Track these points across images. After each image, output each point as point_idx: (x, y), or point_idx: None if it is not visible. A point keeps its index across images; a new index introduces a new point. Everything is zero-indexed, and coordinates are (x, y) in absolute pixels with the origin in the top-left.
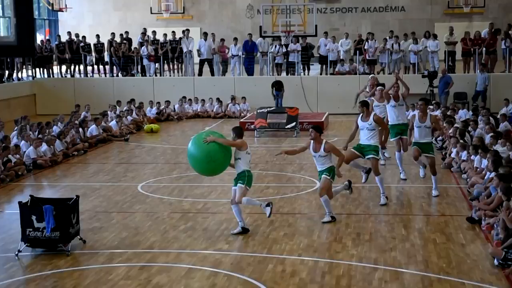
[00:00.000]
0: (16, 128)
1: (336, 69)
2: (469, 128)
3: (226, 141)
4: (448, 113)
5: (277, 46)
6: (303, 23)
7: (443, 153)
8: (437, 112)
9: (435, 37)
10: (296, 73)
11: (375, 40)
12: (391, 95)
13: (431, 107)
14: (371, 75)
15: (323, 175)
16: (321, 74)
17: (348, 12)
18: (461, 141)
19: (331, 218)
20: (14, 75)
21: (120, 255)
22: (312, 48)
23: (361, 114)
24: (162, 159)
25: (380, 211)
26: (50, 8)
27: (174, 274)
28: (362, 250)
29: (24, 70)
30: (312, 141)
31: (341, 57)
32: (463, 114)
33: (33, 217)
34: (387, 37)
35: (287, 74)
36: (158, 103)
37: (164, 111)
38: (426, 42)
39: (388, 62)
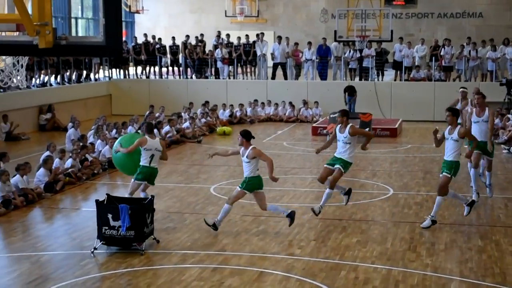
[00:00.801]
0: (93, 127)
1: (411, 75)
2: None
3: (128, 148)
4: None
5: (351, 51)
6: (378, 28)
7: None
8: None
9: None
10: (369, 79)
11: (452, 47)
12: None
13: (510, 116)
14: (461, 89)
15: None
16: (395, 80)
17: (424, 18)
18: None
19: (213, 226)
20: (91, 75)
21: (193, 256)
22: (386, 53)
23: (339, 125)
24: (234, 161)
25: (456, 220)
26: (127, 10)
27: (246, 277)
28: (437, 260)
29: (101, 71)
30: (241, 147)
31: (416, 63)
32: None
33: (109, 216)
34: (464, 44)
35: (360, 80)
36: (231, 105)
37: (236, 114)
38: (504, 49)
39: (464, 69)
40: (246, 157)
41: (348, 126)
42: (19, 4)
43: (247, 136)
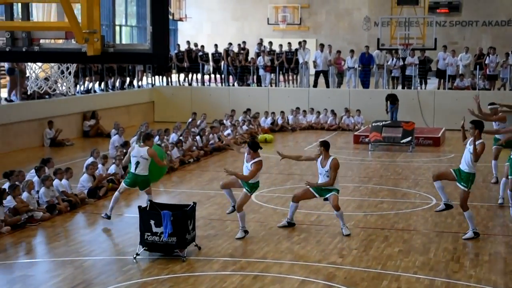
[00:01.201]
0: (136, 134)
1: (455, 84)
2: None
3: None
4: None
5: (394, 59)
6: (421, 36)
7: None
8: None
9: None
10: (412, 87)
11: (497, 55)
12: None
13: None
14: (490, 106)
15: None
16: (438, 88)
17: (468, 26)
18: None
19: (244, 232)
20: (135, 82)
21: (234, 263)
22: (430, 61)
23: (320, 157)
24: (276, 169)
25: (499, 231)
26: (170, 17)
27: (287, 285)
28: (481, 271)
29: (144, 78)
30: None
31: (460, 72)
32: None
33: (152, 222)
34: (509, 52)
35: (403, 88)
36: (273, 113)
37: (278, 121)
38: None
39: (509, 77)
40: (251, 165)
41: (330, 159)
42: (69, 12)
43: (254, 147)
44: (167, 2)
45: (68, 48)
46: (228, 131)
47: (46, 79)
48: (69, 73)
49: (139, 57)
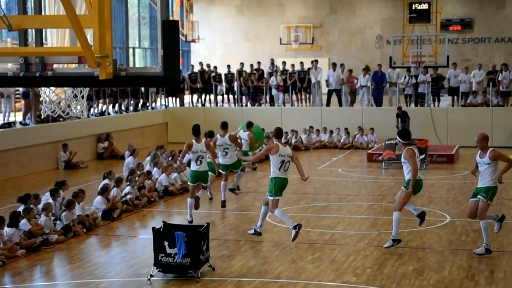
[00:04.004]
0: (149, 154)
1: (468, 101)
2: None
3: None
4: None
5: (407, 77)
6: (434, 53)
7: None
8: None
9: None
10: (425, 105)
11: (510, 72)
12: None
13: None
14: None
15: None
16: (452, 105)
17: (480, 43)
18: None
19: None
20: (148, 104)
21: (249, 283)
22: (442, 79)
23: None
24: (289, 189)
25: None
26: (183, 39)
27: None
28: None
29: (158, 99)
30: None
31: (473, 89)
32: None
33: (166, 243)
34: None
35: (416, 106)
36: (286, 132)
37: (291, 141)
38: None
39: None
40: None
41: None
42: (81, 37)
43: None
44: (178, 27)
45: (81, 72)
46: None
47: (60, 102)
48: (82, 97)
49: (151, 81)
